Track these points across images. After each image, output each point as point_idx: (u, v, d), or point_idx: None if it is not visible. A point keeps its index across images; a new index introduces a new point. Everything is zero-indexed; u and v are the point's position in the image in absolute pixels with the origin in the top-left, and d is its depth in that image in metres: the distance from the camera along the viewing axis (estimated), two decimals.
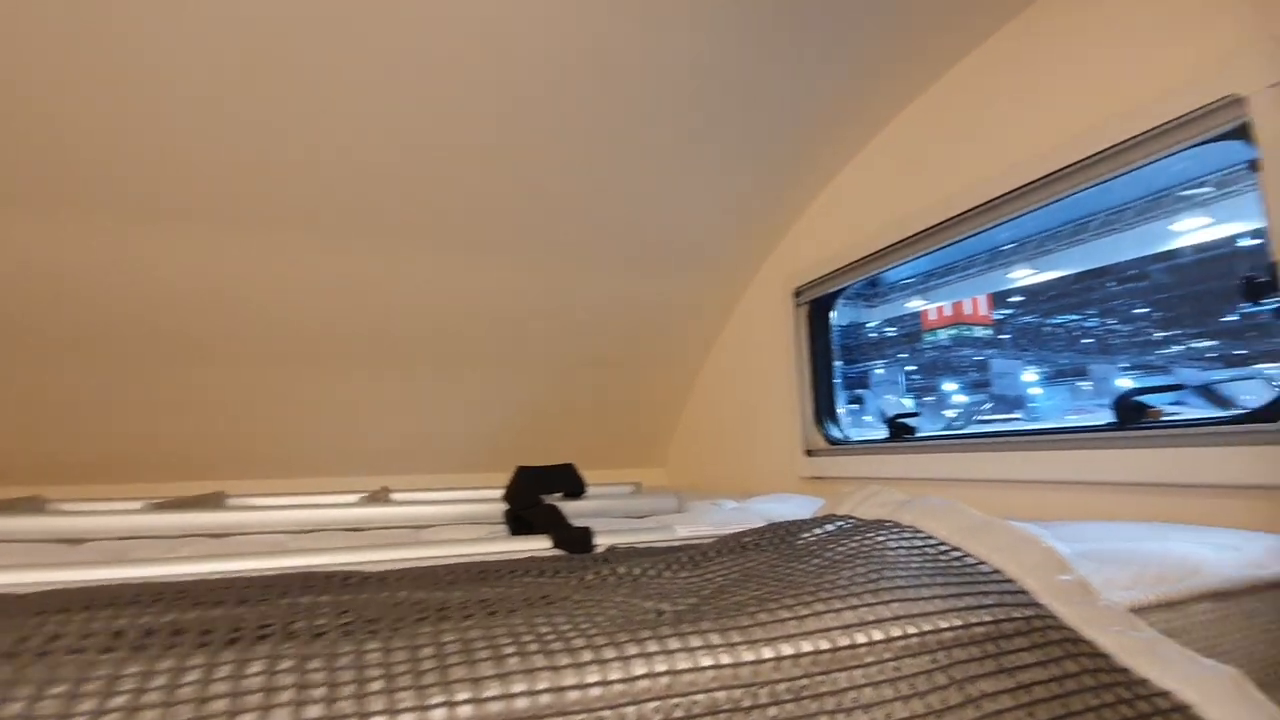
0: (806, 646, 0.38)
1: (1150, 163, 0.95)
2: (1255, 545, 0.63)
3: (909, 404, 1.83)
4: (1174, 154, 0.92)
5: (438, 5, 1.02)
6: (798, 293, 1.63)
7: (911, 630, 0.41)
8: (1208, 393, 1.11)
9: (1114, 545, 0.68)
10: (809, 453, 1.58)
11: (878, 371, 1.83)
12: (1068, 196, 1.05)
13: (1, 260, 1.27)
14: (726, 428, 2.00)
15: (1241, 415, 0.84)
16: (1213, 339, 1.24)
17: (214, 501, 1.34)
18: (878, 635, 0.40)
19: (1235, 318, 1.18)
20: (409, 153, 1.27)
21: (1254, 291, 0.85)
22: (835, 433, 1.56)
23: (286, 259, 1.42)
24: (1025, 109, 1.12)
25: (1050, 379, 1.76)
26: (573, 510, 1.14)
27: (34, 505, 1.28)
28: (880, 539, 0.53)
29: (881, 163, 1.42)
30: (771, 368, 1.75)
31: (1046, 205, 1.08)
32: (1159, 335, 1.42)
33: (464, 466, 2.04)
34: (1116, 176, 0.99)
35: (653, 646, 0.36)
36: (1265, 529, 0.72)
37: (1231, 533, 0.69)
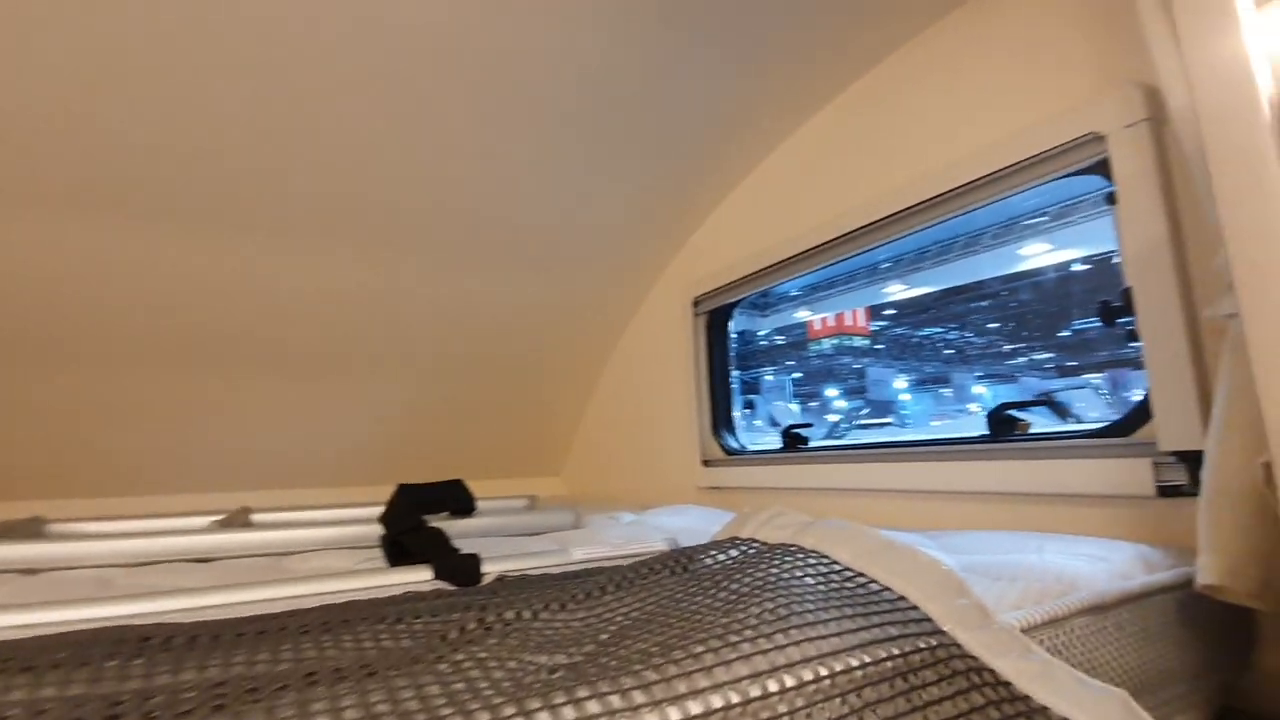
0: (717, 702, 0.35)
1: (1019, 192, 1.02)
2: (1120, 555, 0.67)
3: (796, 409, 1.88)
4: (1041, 184, 0.99)
5: None
6: (696, 302, 1.63)
7: (823, 672, 0.39)
8: (1052, 404, 1.22)
9: (997, 558, 0.71)
10: (706, 463, 1.58)
11: (767, 378, 1.88)
12: (947, 219, 1.10)
13: None
14: (625, 437, 1.97)
15: (1101, 429, 0.90)
16: (1052, 352, 1.36)
17: (31, 528, 1.14)
18: (790, 681, 0.37)
19: (1069, 333, 1.30)
20: (288, 143, 1.14)
21: (1110, 314, 0.92)
22: (732, 443, 1.56)
23: (122, 244, 1.23)
24: (911, 133, 1.17)
25: (918, 386, 1.87)
26: (460, 530, 1.06)
27: None
28: (786, 567, 0.51)
29: (779, 177, 1.45)
30: (670, 376, 1.73)
31: (927, 227, 1.14)
32: (1008, 347, 1.53)
33: (338, 481, 1.88)
34: (989, 203, 1.05)
35: (544, 719, 0.31)
36: (1125, 537, 0.78)
37: (1097, 542, 0.73)
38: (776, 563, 0.52)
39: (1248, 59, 0.53)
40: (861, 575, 0.51)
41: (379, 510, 1.35)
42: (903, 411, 1.83)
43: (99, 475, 1.56)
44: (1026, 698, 0.41)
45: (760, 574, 0.51)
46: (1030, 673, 0.43)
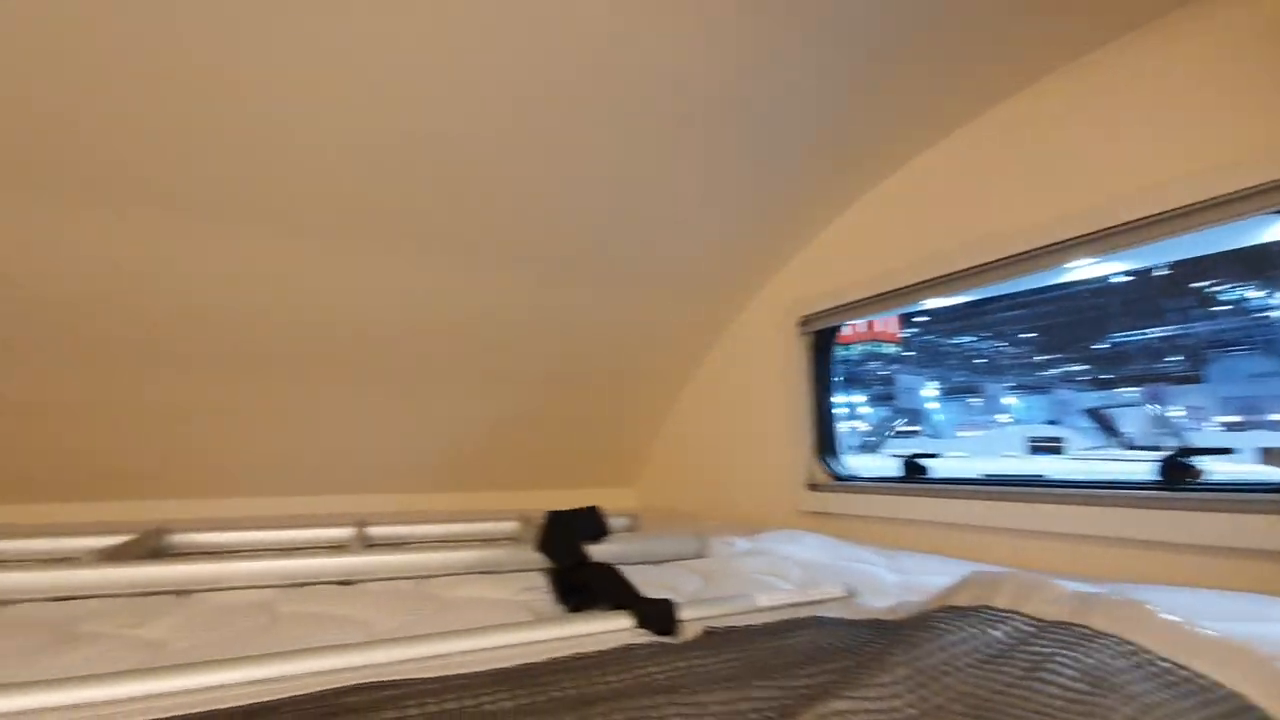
0: None
1: (1202, 229, 0.96)
2: None
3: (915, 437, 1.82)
4: (1217, 227, 0.93)
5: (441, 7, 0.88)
6: (804, 322, 1.58)
7: None
8: (1097, 416, 1.15)
9: (1229, 626, 0.66)
10: (812, 487, 1.53)
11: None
12: (1111, 255, 1.05)
13: None
14: (709, 453, 1.93)
15: None
16: (1083, 363, 1.28)
17: (157, 539, 1.13)
18: None
19: (1105, 346, 1.23)
20: (394, 159, 1.12)
21: None
22: (838, 468, 1.52)
23: (254, 259, 1.22)
24: (1065, 160, 1.11)
25: (949, 394, 1.81)
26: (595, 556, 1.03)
27: None
28: (1097, 653, 0.47)
29: (907, 195, 1.40)
30: (766, 395, 1.69)
31: (1087, 262, 1.08)
32: (1040, 358, 1.46)
33: (429, 486, 1.87)
34: (1162, 240, 1.00)
35: None
36: None
37: None
38: (1079, 647, 0.48)
39: None
40: (1185, 669, 0.46)
41: (504, 526, 1.33)
42: (933, 417, 1.77)
43: (210, 478, 1.56)
44: None
45: (1069, 659, 0.47)
46: None
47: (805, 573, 1.05)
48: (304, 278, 1.29)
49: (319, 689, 0.49)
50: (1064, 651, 0.48)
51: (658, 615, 0.68)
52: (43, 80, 0.88)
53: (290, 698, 0.47)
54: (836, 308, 1.50)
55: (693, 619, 0.70)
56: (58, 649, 0.64)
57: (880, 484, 1.43)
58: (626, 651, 0.59)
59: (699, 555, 1.17)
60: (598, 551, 1.03)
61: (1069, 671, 0.45)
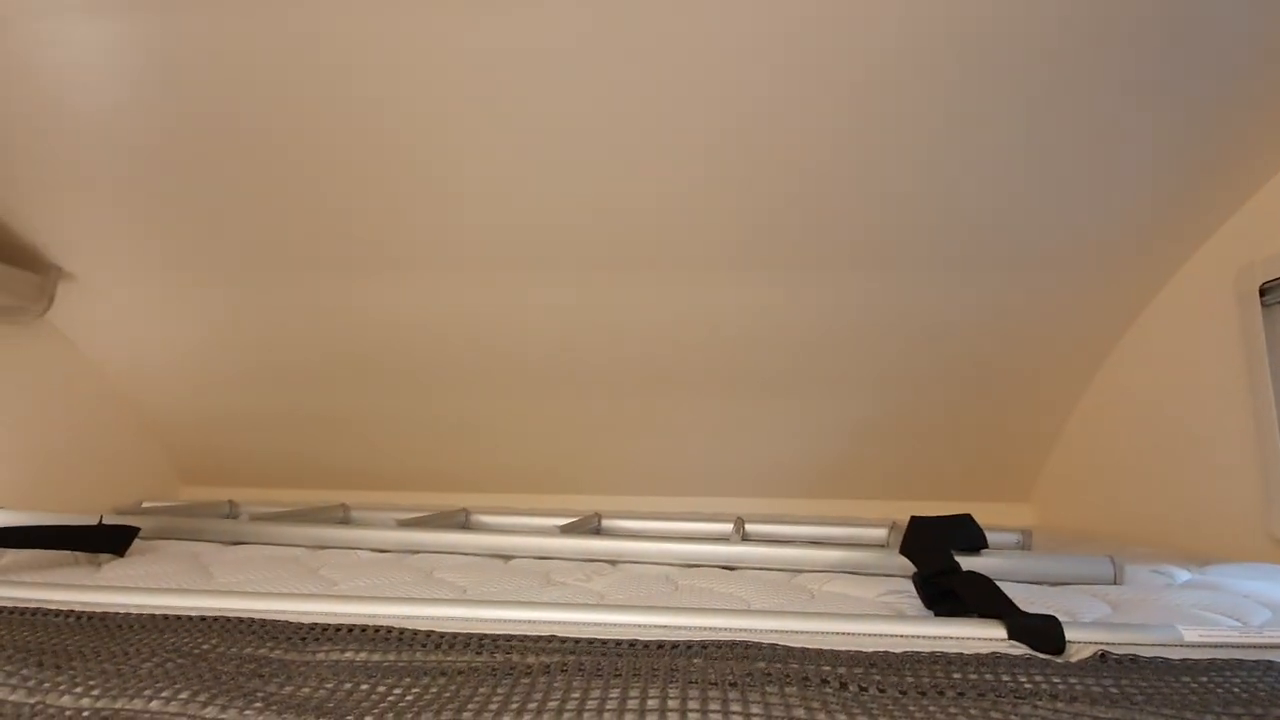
0: None
1: None
2: None
3: None
4: None
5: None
6: (1264, 291, 1.21)
7: None
8: None
9: None
10: None
11: None
12: None
13: (350, 312, 1.61)
14: (1133, 464, 1.59)
15: None
16: None
17: (594, 521, 1.47)
18: None
19: None
20: (736, 172, 1.24)
21: None
22: None
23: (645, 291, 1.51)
24: None
25: None
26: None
27: (458, 518, 1.54)
28: None
29: None
30: (1212, 389, 1.33)
31: None
32: None
33: (799, 491, 1.97)
34: None
35: None
36: None
37: None
38: None
39: None
40: None
41: (875, 533, 1.36)
42: None
43: (619, 478, 1.95)
44: None
45: None
46: None
47: (1277, 616, 0.81)
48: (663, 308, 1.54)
49: (710, 639, 0.60)
50: None
51: (1038, 628, 0.63)
52: (331, 180, 1.27)
53: (690, 640, 0.60)
54: None
55: (1084, 641, 0.63)
56: (544, 588, 0.92)
57: None
58: (993, 657, 0.57)
59: (1111, 581, 0.99)
60: (973, 564, 0.97)
61: None
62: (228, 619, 0.66)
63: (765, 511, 1.88)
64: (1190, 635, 0.64)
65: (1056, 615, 0.65)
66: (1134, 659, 0.57)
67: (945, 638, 0.65)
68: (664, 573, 1.04)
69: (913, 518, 1.01)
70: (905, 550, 0.92)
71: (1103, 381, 1.69)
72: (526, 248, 1.43)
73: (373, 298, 1.58)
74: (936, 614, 0.76)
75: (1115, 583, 0.98)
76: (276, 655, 0.56)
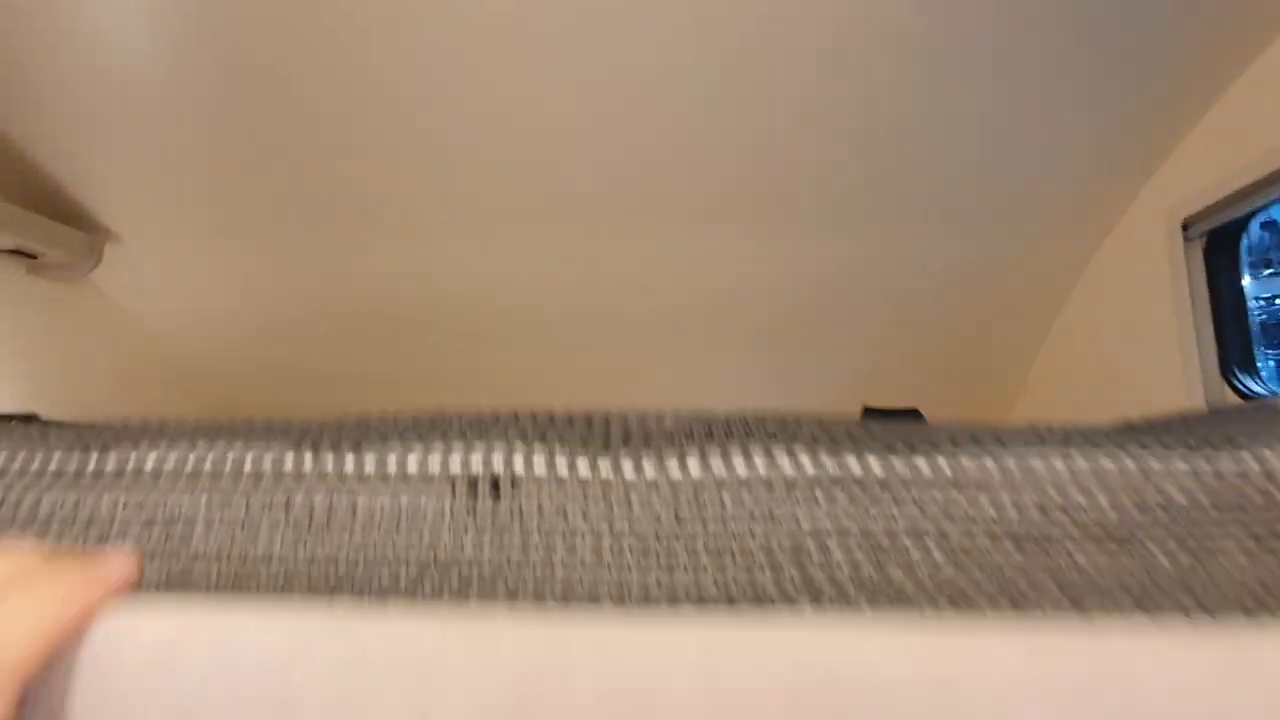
0: None
1: None
2: None
3: None
4: None
5: None
6: (1186, 225, 1.33)
7: None
8: None
9: None
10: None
11: None
12: None
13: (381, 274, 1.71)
14: (1090, 409, 1.70)
15: None
16: None
17: None
18: None
19: None
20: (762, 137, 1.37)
21: None
22: (1254, 385, 1.22)
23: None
24: None
25: None
26: None
27: None
28: None
29: None
30: (1153, 329, 1.43)
31: None
32: None
33: None
34: None
35: None
36: None
37: None
38: None
39: None
40: None
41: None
42: None
43: None
44: None
45: None
46: None
47: None
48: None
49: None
50: None
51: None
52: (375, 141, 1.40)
53: None
54: (1230, 197, 1.23)
55: None
56: None
57: None
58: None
59: None
60: None
61: None
62: None
63: None
64: None
65: None
66: None
67: None
68: None
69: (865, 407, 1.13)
70: None
71: (1046, 353, 1.81)
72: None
73: (405, 257, 1.67)
74: None
75: None
76: None
